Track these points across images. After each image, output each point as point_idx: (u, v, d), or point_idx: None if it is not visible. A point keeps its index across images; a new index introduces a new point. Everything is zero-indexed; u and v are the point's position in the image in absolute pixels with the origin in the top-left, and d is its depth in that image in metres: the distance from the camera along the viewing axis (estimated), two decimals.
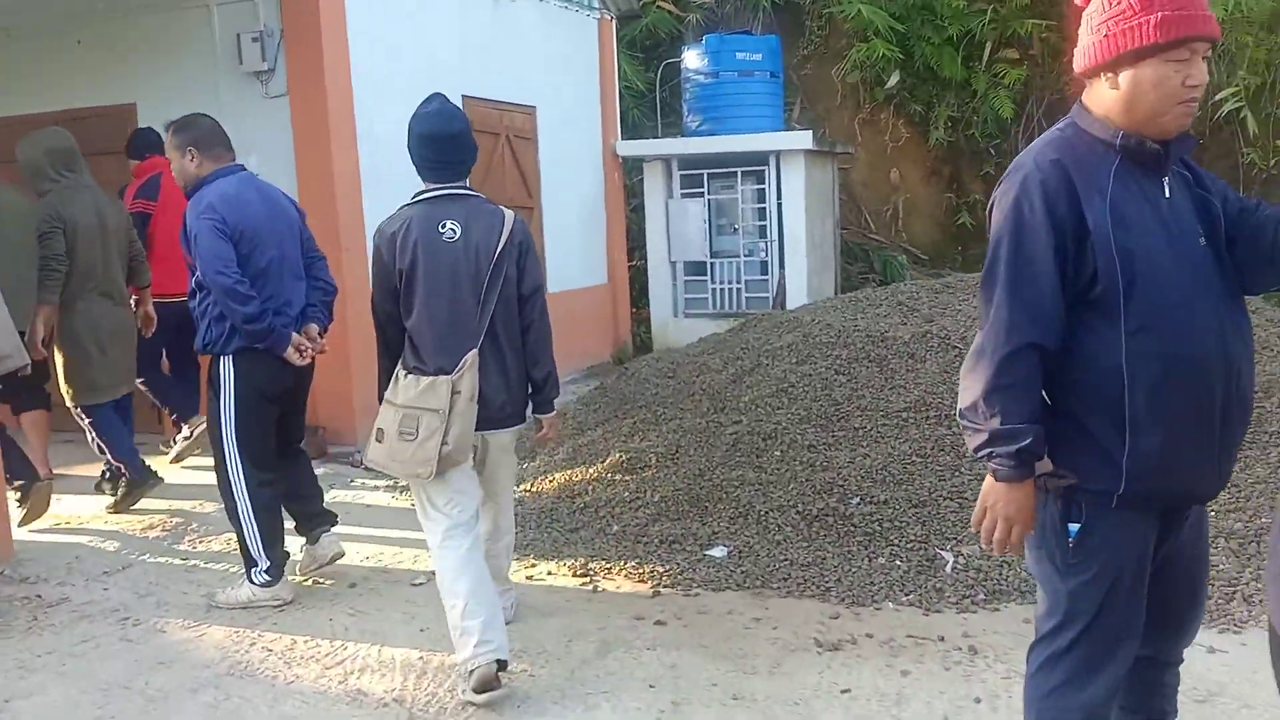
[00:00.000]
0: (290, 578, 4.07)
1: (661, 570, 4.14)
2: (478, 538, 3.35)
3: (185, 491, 5.56)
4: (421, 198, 3.36)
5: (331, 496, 5.46)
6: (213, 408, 3.88)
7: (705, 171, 10.22)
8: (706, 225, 10.26)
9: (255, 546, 3.87)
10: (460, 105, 7.72)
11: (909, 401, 4.96)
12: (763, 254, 10.20)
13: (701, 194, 10.28)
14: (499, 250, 3.29)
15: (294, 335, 3.86)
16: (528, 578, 4.19)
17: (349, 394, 6.40)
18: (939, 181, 12.16)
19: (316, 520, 4.23)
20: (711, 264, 10.31)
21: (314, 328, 3.98)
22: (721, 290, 10.32)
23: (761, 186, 10.12)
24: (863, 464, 4.61)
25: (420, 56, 7.15)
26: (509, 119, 8.50)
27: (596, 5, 9.87)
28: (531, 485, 5.20)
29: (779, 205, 10.01)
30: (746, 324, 6.40)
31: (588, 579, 4.16)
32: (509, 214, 3.40)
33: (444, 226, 3.26)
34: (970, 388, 2.13)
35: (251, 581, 3.91)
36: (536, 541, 4.57)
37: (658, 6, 11.85)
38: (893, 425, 4.86)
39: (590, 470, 5.11)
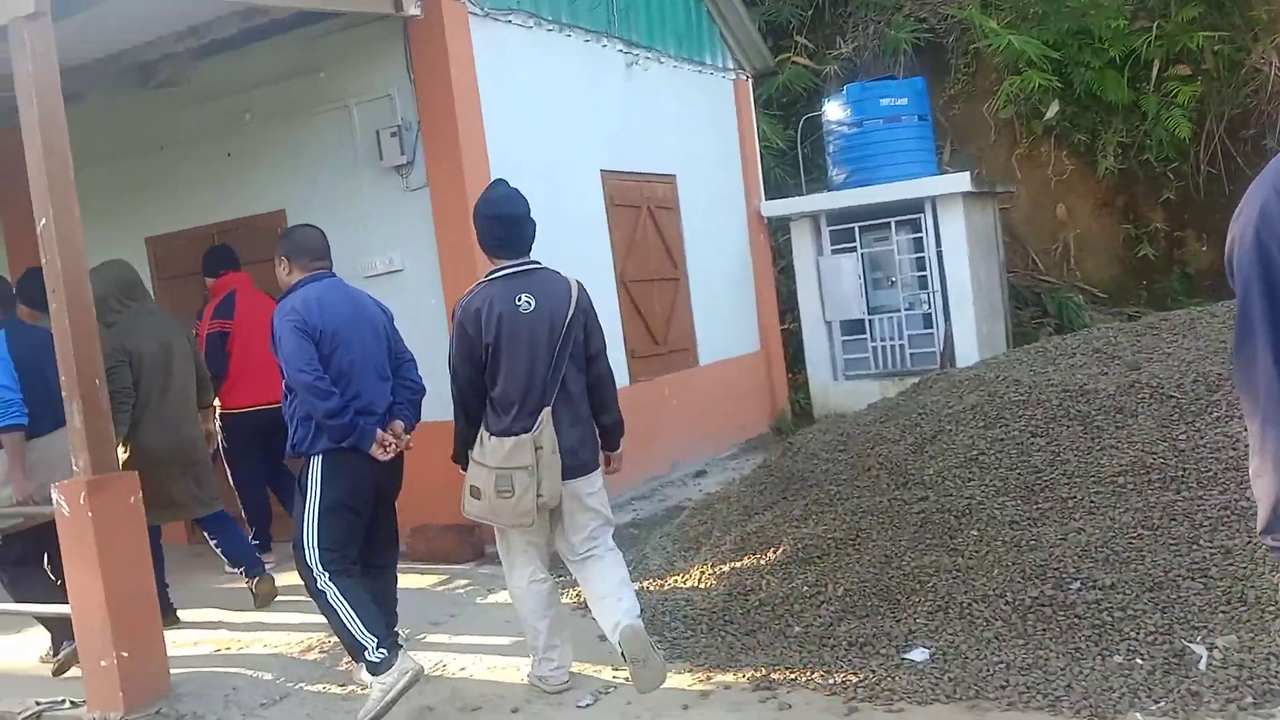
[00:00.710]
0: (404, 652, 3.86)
1: (855, 679, 3.64)
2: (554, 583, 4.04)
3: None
4: (496, 275, 3.79)
5: (484, 602, 5.19)
6: (298, 509, 3.93)
7: (856, 225, 9.74)
8: (861, 281, 9.75)
9: (356, 629, 3.75)
10: (599, 180, 7.70)
11: (1124, 464, 4.32)
12: (925, 306, 9.59)
13: (854, 248, 9.79)
14: (569, 317, 3.77)
15: (379, 432, 3.89)
16: (703, 694, 3.75)
17: None
18: (1112, 213, 11.26)
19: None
20: (870, 321, 9.76)
21: (399, 424, 4.01)
22: (883, 348, 9.74)
23: (918, 235, 9.56)
24: (1078, 541, 4.00)
25: (554, 135, 7.01)
26: (649, 190, 8.28)
27: (731, 66, 9.63)
28: (699, 580, 4.78)
29: (939, 253, 9.42)
30: (920, 385, 5.86)
31: (770, 692, 3.69)
32: (573, 282, 3.88)
33: (520, 299, 3.71)
34: (1267, 495, 1.62)
35: (371, 673, 3.73)
36: (710, 649, 4.13)
37: (793, 62, 11.55)
38: (1107, 493, 4.23)
39: (761, 561, 4.66)
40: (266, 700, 4.16)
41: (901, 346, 9.64)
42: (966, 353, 9.19)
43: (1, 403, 4.56)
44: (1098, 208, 11.41)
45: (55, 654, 4.75)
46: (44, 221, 4.13)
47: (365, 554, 4.06)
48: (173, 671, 4.30)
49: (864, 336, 9.82)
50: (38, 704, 4.29)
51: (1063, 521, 4.17)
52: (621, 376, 7.52)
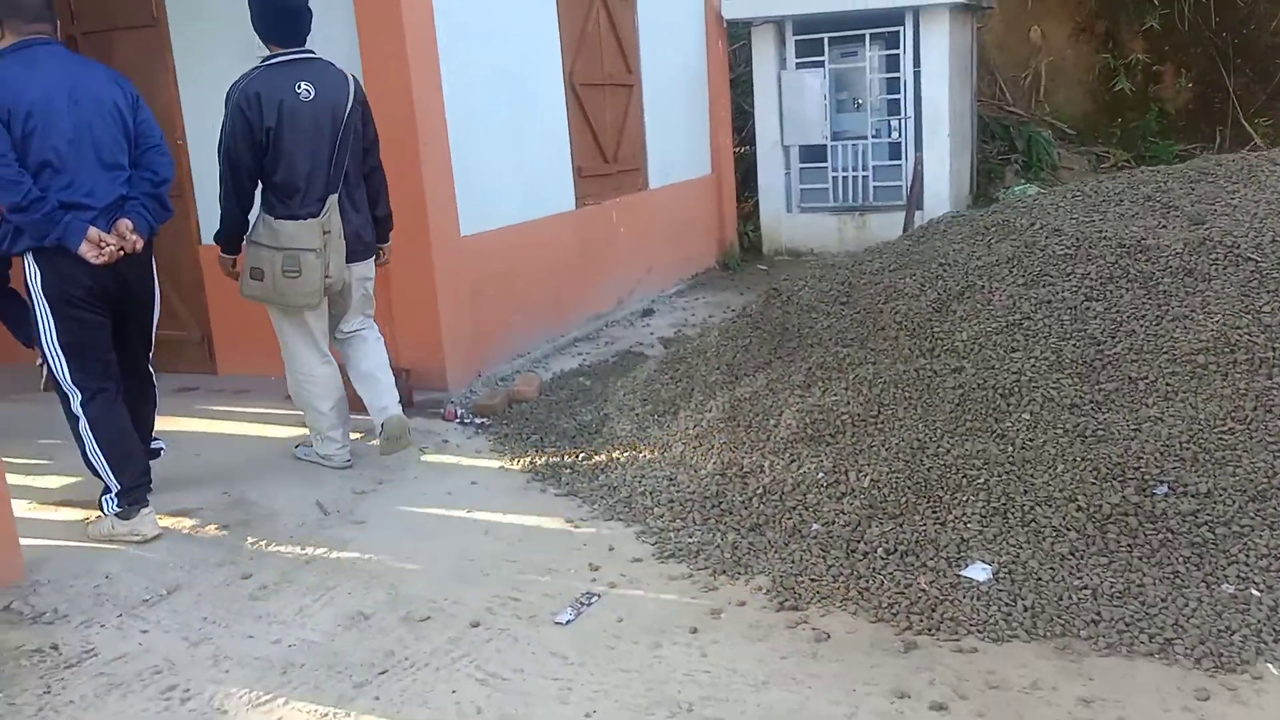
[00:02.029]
0: (150, 513, 3.62)
1: (903, 600, 2.95)
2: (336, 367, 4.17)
3: (244, 457, 4.48)
4: (275, 61, 3.88)
5: (424, 464, 4.33)
6: (32, 314, 3.55)
7: (826, 36, 8.68)
8: (826, 102, 8.77)
9: (101, 468, 3.58)
10: None
11: (1202, 340, 3.62)
12: (894, 135, 8.71)
13: (821, 64, 8.75)
14: (349, 107, 3.91)
15: (91, 229, 3.42)
16: (713, 613, 3.01)
17: (434, 329, 5.21)
18: (1090, 39, 10.42)
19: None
20: (832, 148, 8.85)
21: (125, 223, 3.53)
22: (844, 179, 8.89)
23: (894, 52, 8.56)
24: (1155, 433, 3.32)
25: None
26: None
27: None
28: (683, 454, 4.01)
29: (916, 74, 8.46)
30: (930, 229, 5.04)
31: (798, 613, 2.98)
32: (349, 74, 4.02)
33: (300, 87, 3.80)
34: None
35: (103, 511, 3.62)
36: (708, 547, 3.39)
37: None
38: (1185, 375, 3.54)
39: (760, 436, 3.89)
40: (150, 595, 3.27)
41: (864, 178, 8.80)
42: (936, 189, 8.43)
43: None
44: (1075, 33, 10.55)
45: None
46: None
47: (120, 367, 3.71)
48: (25, 549, 3.37)
49: (824, 165, 8.94)
50: None
51: (1133, 408, 3.49)
52: (566, 198, 6.52)
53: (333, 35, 5.07)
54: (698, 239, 8.55)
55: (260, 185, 3.89)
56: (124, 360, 3.74)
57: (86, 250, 3.41)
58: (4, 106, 3.34)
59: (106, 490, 3.58)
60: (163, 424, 4.85)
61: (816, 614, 2.96)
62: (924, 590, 3.00)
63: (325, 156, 3.87)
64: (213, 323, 5.78)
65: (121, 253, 3.49)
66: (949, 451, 3.50)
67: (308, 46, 3.96)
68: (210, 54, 5.37)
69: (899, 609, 2.93)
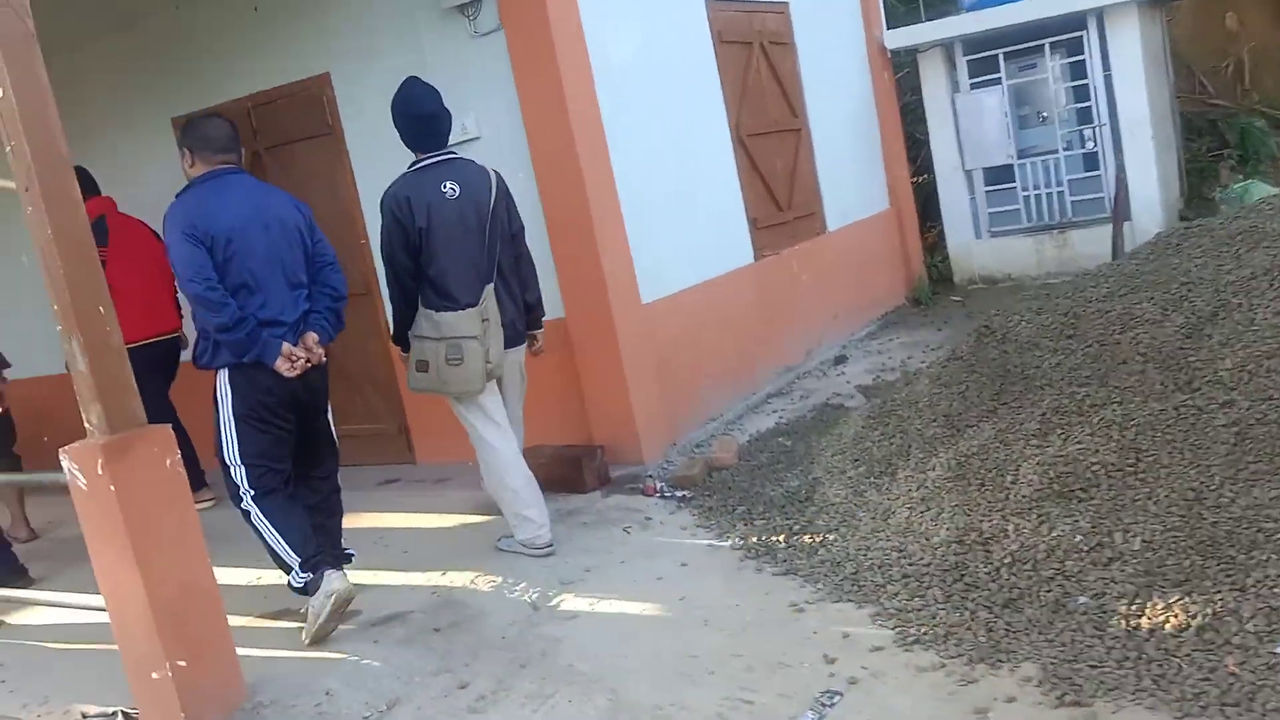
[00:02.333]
0: (337, 574, 3.64)
1: (1212, 689, 2.49)
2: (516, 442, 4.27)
3: (448, 549, 4.40)
4: (418, 167, 4.08)
5: (629, 546, 4.11)
6: (215, 424, 3.71)
7: (1000, 52, 8.17)
8: (1007, 119, 8.23)
9: (281, 549, 3.64)
10: (704, 10, 6.29)
11: None
12: (1089, 144, 8.07)
13: (997, 80, 8.24)
14: (493, 200, 4.06)
15: (285, 345, 3.65)
16: (978, 710, 2.63)
17: (625, 402, 5.04)
18: None
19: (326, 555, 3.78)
20: (1019, 167, 8.29)
21: (311, 336, 3.75)
22: (1036, 197, 8.29)
23: (1079, 58, 7.97)
24: None
25: None
26: (760, 22, 6.84)
27: None
28: (910, 520, 3.64)
29: (1107, 77, 7.83)
30: (1159, 244, 4.51)
31: (1080, 706, 2.56)
32: (491, 170, 4.15)
33: (445, 186, 3.99)
34: None
35: (291, 584, 3.68)
36: (956, 628, 3.01)
37: None
38: None
39: (998, 496, 3.48)
40: (371, 711, 3.16)
41: (1059, 194, 8.18)
42: (1144, 196, 7.73)
43: None
44: (1276, 15, 9.59)
45: None
46: (0, 92, 2.96)
47: (300, 466, 3.88)
48: (245, 663, 3.34)
49: (1012, 185, 8.38)
50: (85, 717, 3.38)
51: None
52: (744, 253, 6.28)
53: (498, 129, 5.06)
54: (883, 277, 8.14)
55: (418, 282, 4.04)
56: (312, 464, 3.94)
57: (281, 365, 3.62)
58: (206, 233, 3.57)
59: (288, 570, 3.64)
60: (368, 520, 4.90)
61: (1106, 710, 2.53)
62: (1234, 674, 2.53)
63: (476, 249, 4.02)
64: (409, 414, 5.81)
65: (307, 364, 3.70)
66: (1233, 502, 3.01)
67: (450, 149, 4.16)
68: (383, 156, 5.46)
69: (1208, 700, 2.47)
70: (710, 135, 6.14)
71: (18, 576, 4.82)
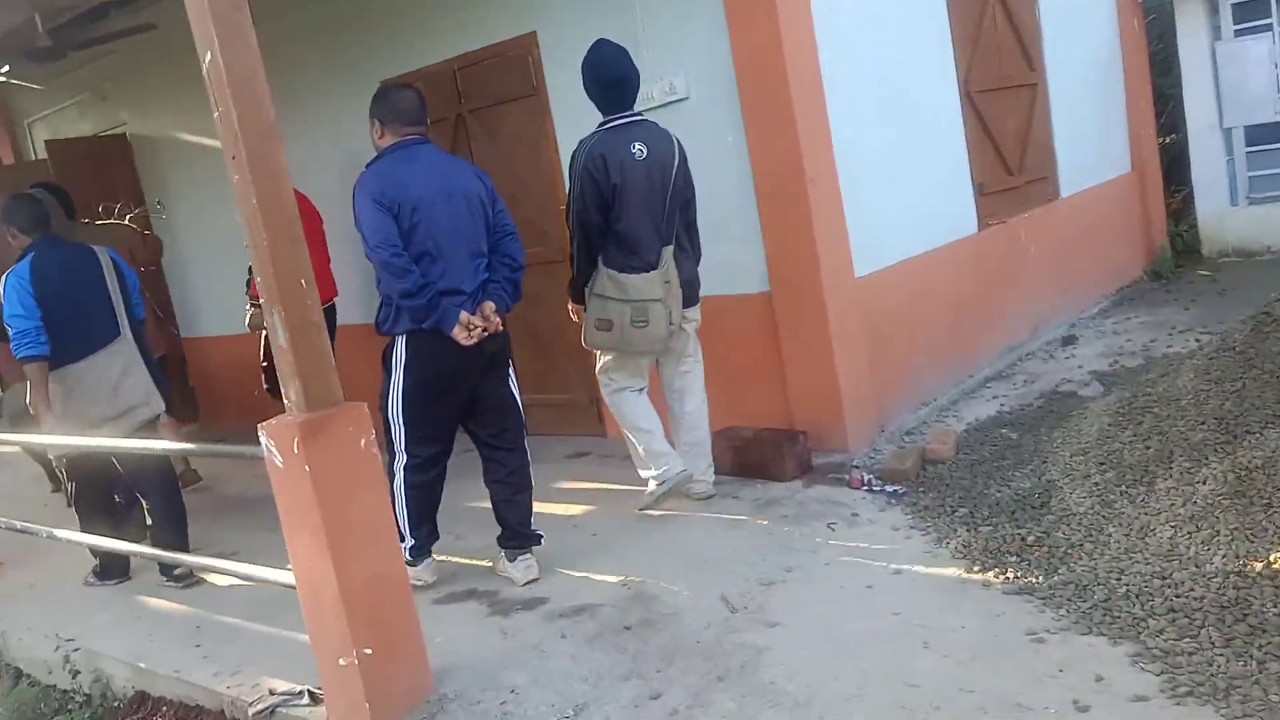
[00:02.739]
0: (430, 562, 3.97)
1: None
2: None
3: (638, 535, 4.19)
4: (610, 126, 4.10)
5: (834, 545, 3.75)
6: (384, 387, 3.79)
7: None
8: (1277, 70, 7.20)
9: (401, 521, 3.78)
10: None
11: None
12: None
13: (1268, 26, 7.21)
14: (676, 164, 4.11)
15: (463, 314, 3.67)
16: None
17: (832, 383, 4.66)
18: None
19: (514, 540, 3.96)
20: None
21: (489, 305, 3.77)
22: None
23: None
24: None
25: None
26: None
27: None
28: (1175, 541, 3.11)
29: None
30: None
31: None
32: (673, 134, 4.17)
33: (634, 147, 4.02)
34: None
35: (406, 563, 3.68)
36: (1241, 681, 2.51)
37: None
38: None
39: None
40: (557, 715, 2.98)
41: None
42: None
43: (16, 333, 4.28)
44: None
45: (97, 578, 4.81)
46: (209, 56, 2.88)
47: (485, 435, 3.92)
48: (431, 649, 3.23)
49: (1278, 146, 7.35)
50: (272, 693, 3.37)
51: None
52: (967, 221, 5.75)
53: (709, 88, 4.74)
54: (1120, 248, 7.33)
55: (602, 241, 4.08)
56: (496, 433, 3.92)
57: (458, 333, 3.65)
58: (394, 200, 3.61)
59: (401, 538, 3.72)
60: (556, 498, 4.73)
61: None
62: None
63: (660, 211, 4.06)
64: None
65: (484, 333, 3.71)
66: None
67: (637, 110, 4.17)
68: (587, 119, 5.23)
69: None
70: (937, 91, 5.60)
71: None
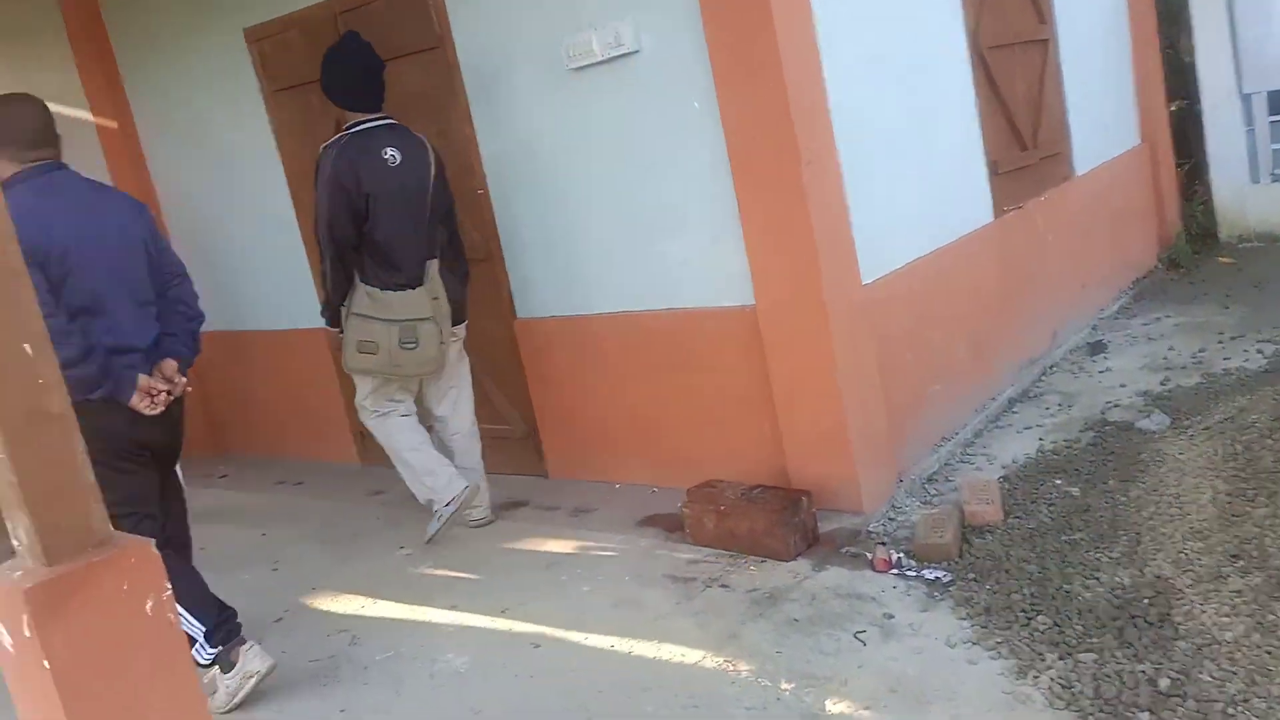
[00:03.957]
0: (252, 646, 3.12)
1: None
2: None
3: (601, 672, 3.06)
4: (358, 129, 3.72)
5: (869, 668, 2.64)
6: None
7: None
8: None
9: (185, 621, 3.03)
10: None
11: None
12: None
13: None
14: (433, 170, 3.80)
15: (141, 378, 3.03)
16: None
17: (839, 423, 3.57)
18: None
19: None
20: None
21: (171, 364, 3.14)
22: None
23: None
24: None
25: None
26: None
27: None
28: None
29: None
30: None
31: None
32: (424, 137, 3.84)
33: (386, 152, 3.70)
34: None
35: (199, 660, 3.06)
36: None
37: None
38: None
39: None
40: None
41: None
42: None
43: None
44: None
45: None
46: None
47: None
48: None
49: None
50: None
51: None
52: (981, 208, 4.70)
53: (667, 39, 3.58)
54: (1133, 233, 6.37)
55: (358, 256, 3.76)
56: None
57: (138, 401, 3.01)
58: (37, 248, 2.81)
59: (193, 642, 3.07)
60: (486, 565, 3.57)
61: None
62: None
63: (420, 221, 3.77)
64: (538, 414, 4.48)
65: (169, 395, 3.09)
66: None
67: (388, 115, 3.80)
68: (505, 79, 4.07)
69: None
70: (944, 45, 4.52)
71: None
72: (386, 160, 3.68)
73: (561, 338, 4.27)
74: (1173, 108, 7.02)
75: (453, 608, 3.51)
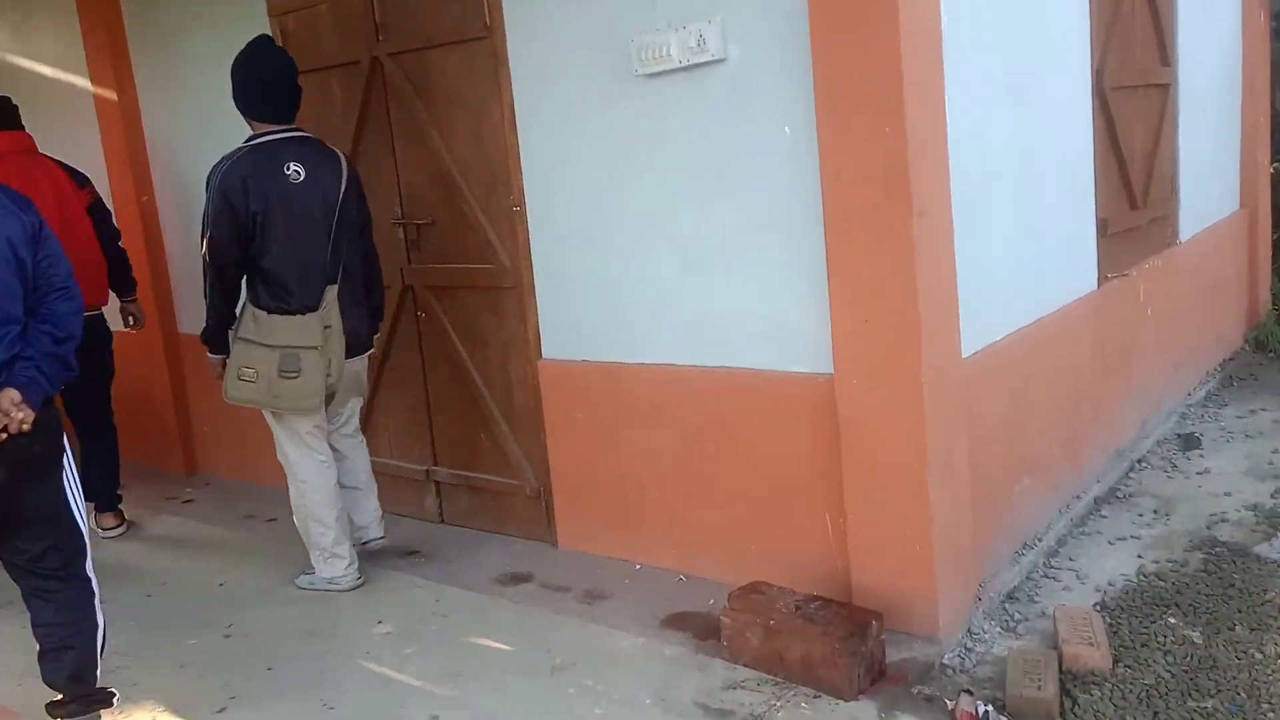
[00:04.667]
0: None
1: None
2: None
3: None
4: (259, 141, 3.50)
5: None
6: None
7: None
8: None
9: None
10: None
11: None
12: None
13: None
14: (343, 189, 3.53)
15: None
16: None
17: (924, 530, 2.94)
18: None
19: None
20: None
21: (11, 394, 2.59)
22: None
23: None
24: None
25: None
26: None
27: None
28: None
29: None
30: None
31: None
32: (340, 153, 3.61)
33: (289, 169, 3.45)
34: None
35: None
36: None
37: None
38: None
39: None
40: None
41: None
42: None
43: None
44: None
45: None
46: None
47: (12, 564, 2.77)
48: None
49: None
50: None
51: None
52: (1085, 273, 4.09)
53: (760, 46, 2.96)
54: (1226, 308, 5.75)
55: (247, 277, 3.54)
56: (34, 561, 2.75)
57: None
58: None
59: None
60: (472, 661, 2.96)
61: None
62: None
63: (319, 243, 3.51)
64: (553, 470, 3.85)
65: (3, 434, 2.58)
66: None
67: (298, 126, 3.58)
68: (560, 79, 3.45)
69: None
70: (1068, 82, 3.90)
71: None
72: (289, 177, 3.43)
73: (590, 386, 3.65)
74: (1272, 169, 6.39)
75: (434, 718, 2.88)
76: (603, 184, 3.46)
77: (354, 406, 3.83)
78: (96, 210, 4.52)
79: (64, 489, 2.79)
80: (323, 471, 3.66)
